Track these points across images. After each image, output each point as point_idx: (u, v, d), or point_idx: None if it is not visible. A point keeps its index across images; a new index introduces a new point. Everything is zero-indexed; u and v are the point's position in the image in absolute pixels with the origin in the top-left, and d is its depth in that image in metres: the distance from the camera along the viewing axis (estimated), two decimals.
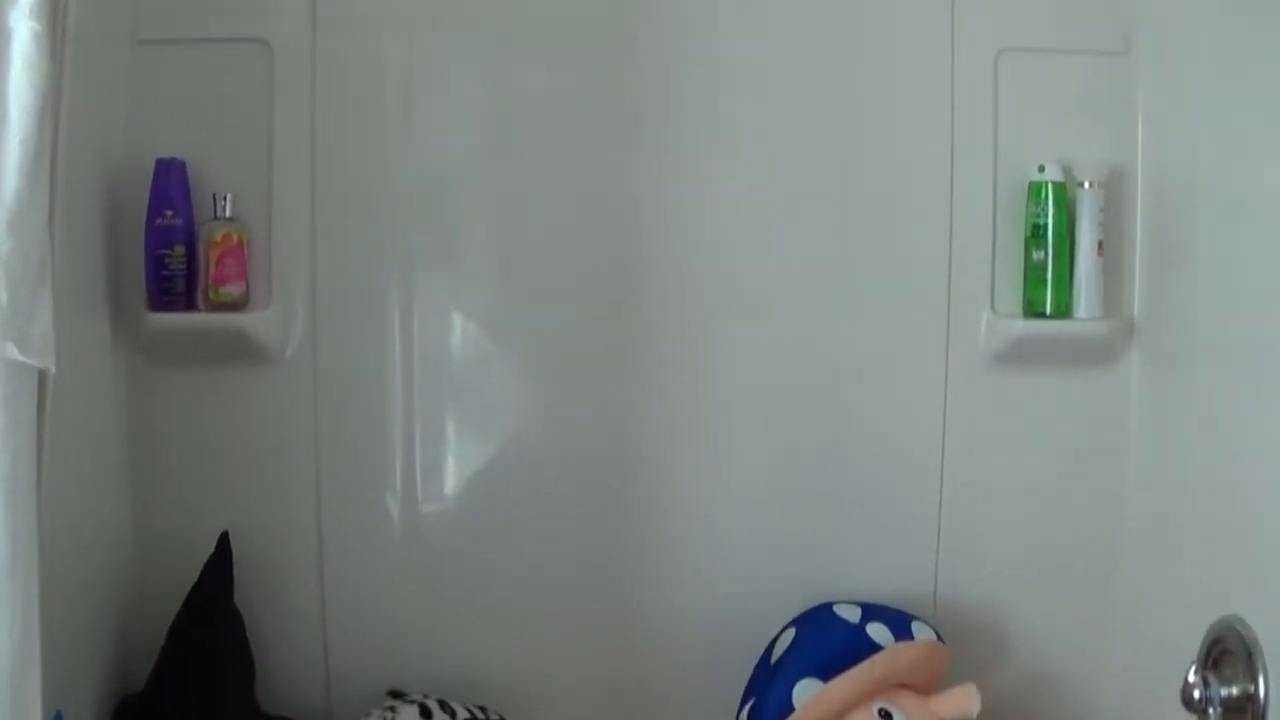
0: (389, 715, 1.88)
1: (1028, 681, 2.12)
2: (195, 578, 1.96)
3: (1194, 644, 1.71)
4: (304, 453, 2.05)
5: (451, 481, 2.11)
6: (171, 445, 2.04)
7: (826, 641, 1.93)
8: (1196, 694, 1.63)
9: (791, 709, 1.89)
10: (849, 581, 2.06)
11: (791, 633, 1.97)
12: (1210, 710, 1.62)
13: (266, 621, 2.03)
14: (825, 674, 1.89)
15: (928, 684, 1.96)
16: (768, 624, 2.01)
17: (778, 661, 1.95)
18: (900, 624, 1.95)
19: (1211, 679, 1.63)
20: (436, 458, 2.10)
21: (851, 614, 1.96)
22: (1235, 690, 1.61)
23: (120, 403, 2.01)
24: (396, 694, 1.97)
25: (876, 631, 1.93)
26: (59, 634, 1.62)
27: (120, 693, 1.95)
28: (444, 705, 1.91)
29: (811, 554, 2.09)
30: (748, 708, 1.96)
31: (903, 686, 1.94)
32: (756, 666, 2.00)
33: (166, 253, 1.97)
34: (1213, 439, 1.82)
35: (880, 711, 1.90)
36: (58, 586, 1.61)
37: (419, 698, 1.93)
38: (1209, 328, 1.86)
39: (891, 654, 1.91)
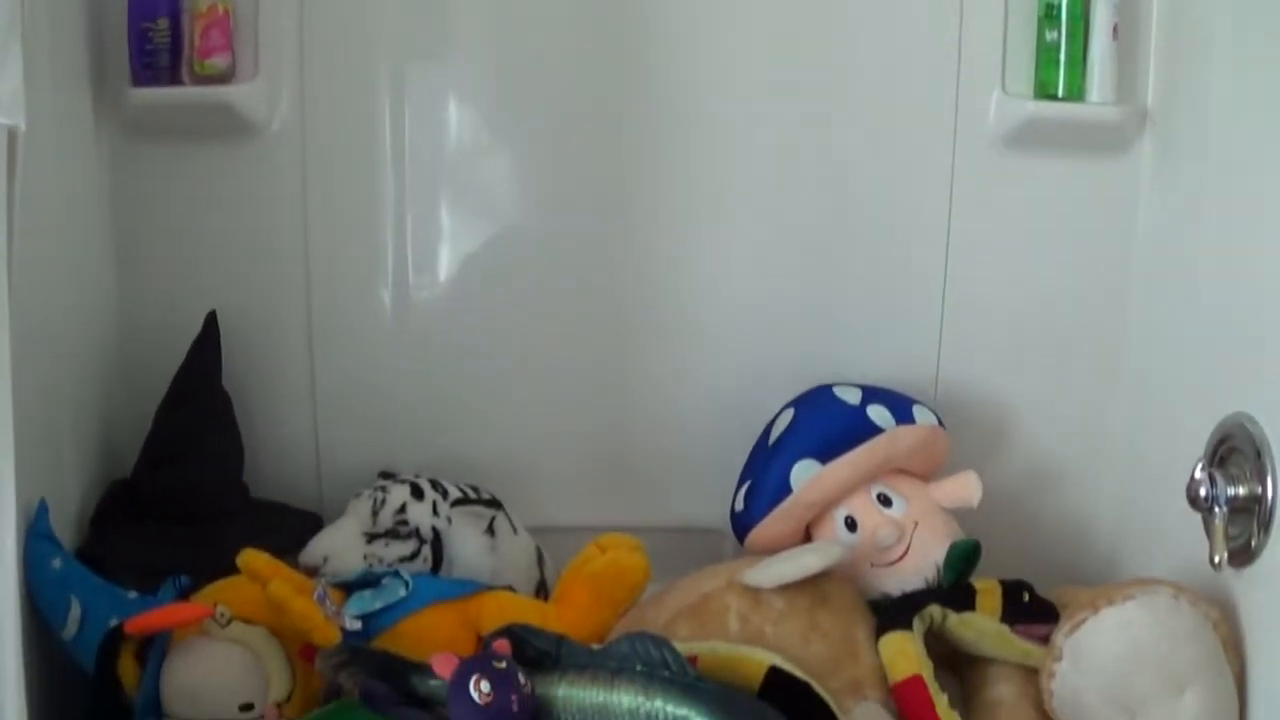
0: (380, 494, 1.86)
1: (1027, 475, 2.11)
2: (182, 360, 1.93)
3: (1200, 441, 1.68)
4: (292, 231, 2.01)
5: (444, 267, 2.08)
6: (157, 224, 2.00)
7: (826, 423, 1.91)
8: (1202, 492, 1.61)
9: (789, 490, 1.87)
10: (849, 364, 2.02)
11: (790, 414, 1.95)
12: (1216, 509, 1.59)
13: (255, 404, 2.01)
14: (824, 456, 1.87)
15: (927, 470, 1.94)
16: (766, 406, 1.99)
17: (775, 442, 1.93)
18: (901, 407, 1.92)
19: (1218, 477, 1.60)
20: (429, 242, 2.06)
21: (851, 396, 1.93)
22: (1242, 490, 1.58)
23: (104, 182, 1.97)
24: (387, 475, 1.95)
25: (877, 414, 1.90)
26: (41, 420, 1.61)
27: (107, 479, 1.93)
28: (435, 484, 1.90)
29: (812, 336, 2.07)
30: (744, 489, 1.94)
31: (902, 472, 1.93)
32: (754, 448, 1.98)
33: (150, 26, 1.91)
34: (1224, 232, 1.78)
35: (879, 496, 1.89)
36: (38, 372, 1.59)
37: (410, 477, 1.91)
38: (1224, 119, 1.80)
39: (892, 437, 1.89)
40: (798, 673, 1.54)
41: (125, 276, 2.00)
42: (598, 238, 2.07)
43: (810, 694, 1.52)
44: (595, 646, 1.50)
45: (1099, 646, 1.59)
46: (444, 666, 1.43)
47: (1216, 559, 1.58)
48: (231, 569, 1.68)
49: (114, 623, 1.60)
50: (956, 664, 1.80)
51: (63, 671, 1.63)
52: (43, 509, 1.61)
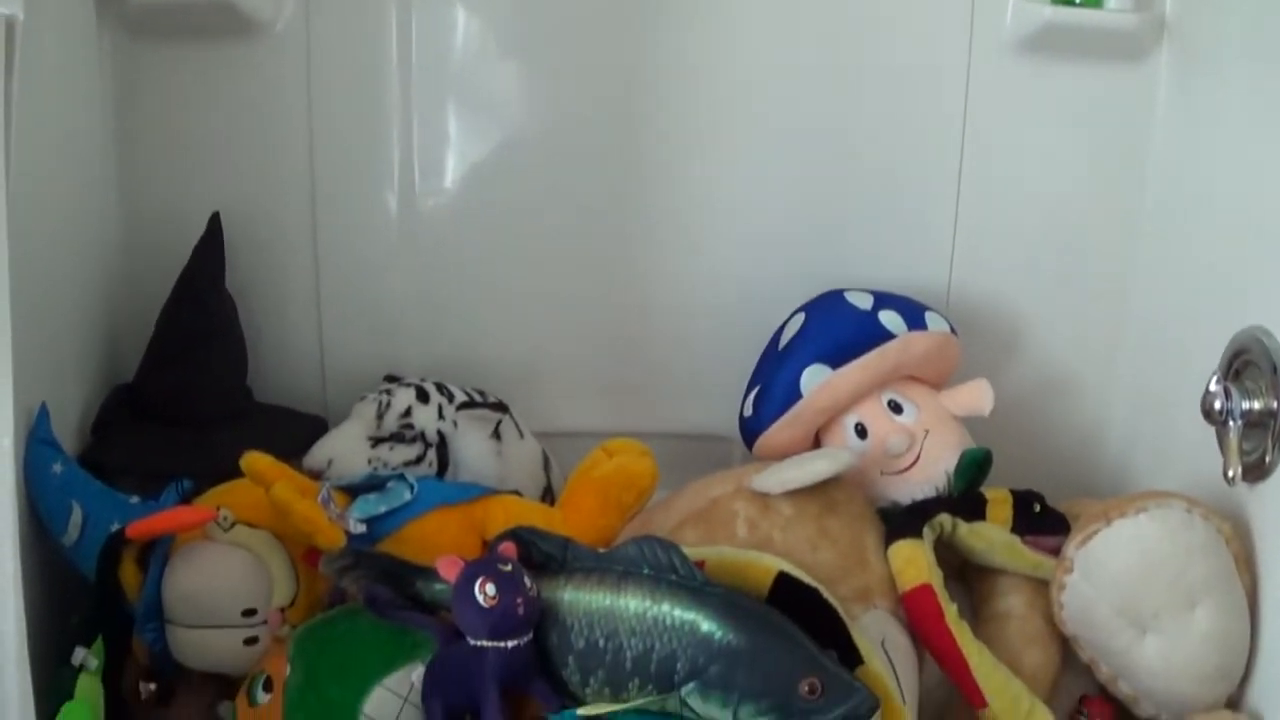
0: (385, 398, 1.85)
1: (1039, 384, 2.10)
2: (185, 262, 1.91)
3: (1215, 354, 1.67)
4: (297, 134, 1.98)
5: (451, 172, 2.05)
6: (160, 125, 1.97)
7: (837, 327, 1.89)
8: (1217, 405, 1.59)
9: (799, 395, 1.85)
10: (862, 271, 2.00)
11: (801, 318, 1.93)
12: (1230, 423, 1.58)
13: (259, 307, 2.00)
14: (835, 360, 1.85)
15: (939, 378, 1.93)
16: (776, 312, 1.97)
17: (786, 347, 1.91)
18: (913, 313, 1.90)
19: (1233, 390, 1.59)
20: (435, 147, 2.03)
21: (863, 301, 1.91)
22: (1257, 404, 1.57)
23: (106, 82, 1.94)
24: (393, 378, 1.94)
25: (889, 319, 1.88)
26: (42, 324, 1.59)
27: (110, 383, 1.92)
28: (441, 388, 1.89)
29: (824, 243, 2.04)
30: (754, 393, 1.93)
31: (913, 379, 1.91)
32: (764, 353, 1.97)
33: None
34: (1240, 143, 1.76)
35: (890, 403, 1.87)
36: (39, 274, 1.57)
37: (416, 381, 1.90)
38: (1243, 30, 1.78)
39: (904, 343, 1.87)
40: (806, 578, 1.52)
41: (127, 177, 1.97)
42: (606, 144, 2.04)
43: (819, 599, 1.50)
44: (602, 550, 1.48)
45: (1111, 558, 1.58)
46: (449, 570, 1.42)
47: (1230, 473, 1.57)
48: (235, 473, 1.66)
49: (115, 527, 1.58)
50: (966, 574, 1.79)
51: (63, 578, 1.61)
52: (43, 413, 1.60)
